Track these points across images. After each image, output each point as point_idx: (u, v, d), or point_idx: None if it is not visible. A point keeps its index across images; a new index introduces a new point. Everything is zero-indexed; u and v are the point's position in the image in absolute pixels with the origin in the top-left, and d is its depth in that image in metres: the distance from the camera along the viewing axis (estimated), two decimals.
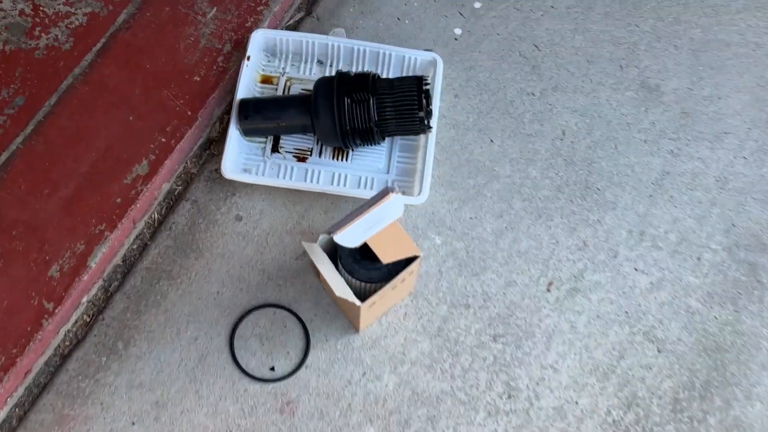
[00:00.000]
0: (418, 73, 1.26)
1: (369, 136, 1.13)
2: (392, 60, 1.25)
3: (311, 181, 1.18)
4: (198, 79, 1.23)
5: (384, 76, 1.26)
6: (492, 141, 1.25)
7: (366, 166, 1.20)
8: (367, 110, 1.11)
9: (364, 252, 0.95)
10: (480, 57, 1.31)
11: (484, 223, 1.18)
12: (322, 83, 1.14)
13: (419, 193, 1.14)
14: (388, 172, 1.20)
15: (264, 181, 1.15)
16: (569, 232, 1.19)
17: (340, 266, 0.97)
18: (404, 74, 1.26)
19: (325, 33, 1.31)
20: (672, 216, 1.21)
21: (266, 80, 1.26)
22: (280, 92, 1.25)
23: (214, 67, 1.25)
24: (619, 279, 1.16)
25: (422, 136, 1.20)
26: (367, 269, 0.96)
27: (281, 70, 1.27)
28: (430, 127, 1.14)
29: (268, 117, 1.16)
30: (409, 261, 0.96)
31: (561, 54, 1.33)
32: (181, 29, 1.27)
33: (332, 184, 1.18)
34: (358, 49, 1.24)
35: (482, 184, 1.21)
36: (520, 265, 1.16)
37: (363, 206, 0.93)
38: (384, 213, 0.90)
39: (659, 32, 1.36)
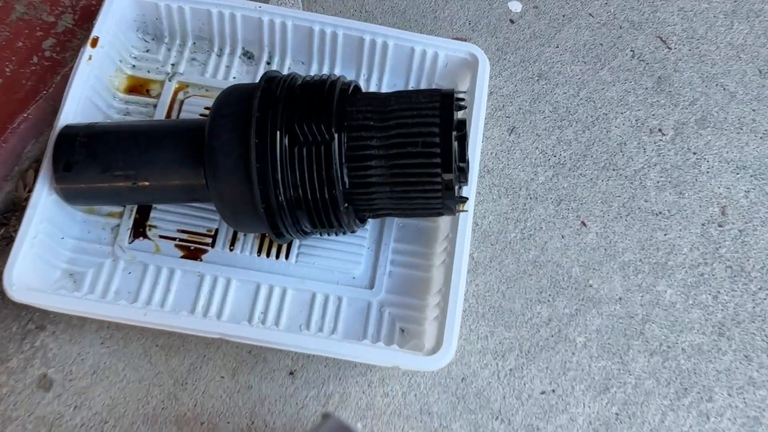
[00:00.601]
0: (440, 81, 0.64)
1: (330, 218, 0.51)
2: (389, 54, 0.63)
3: (207, 311, 0.56)
4: (0, 82, 0.61)
5: (371, 87, 0.64)
6: (584, 224, 0.62)
7: (325, 272, 0.58)
8: (325, 164, 0.48)
9: None
10: (558, 56, 0.69)
11: (572, 404, 0.56)
12: (230, 98, 0.51)
13: (438, 348, 0.51)
14: (371, 287, 0.58)
15: (103, 312, 0.53)
16: None
17: None
18: (412, 86, 0.64)
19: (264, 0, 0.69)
20: None
21: (136, 88, 0.63)
22: (161, 114, 0.62)
23: (34, 60, 0.63)
24: None
25: (446, 217, 0.58)
26: None
27: (169, 70, 0.64)
28: (462, 201, 0.52)
29: (113, 168, 0.53)
30: None
31: (709, 57, 0.70)
32: None
33: (252, 318, 0.56)
34: (323, 32, 0.62)
35: (567, 316, 0.59)
36: None
37: None
38: None
39: None
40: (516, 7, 0.70)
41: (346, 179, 0.49)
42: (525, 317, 0.58)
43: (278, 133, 0.49)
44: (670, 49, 0.70)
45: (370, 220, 0.59)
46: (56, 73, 0.63)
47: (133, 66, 0.64)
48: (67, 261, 0.57)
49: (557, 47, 0.69)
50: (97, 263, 0.57)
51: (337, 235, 0.55)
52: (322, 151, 0.48)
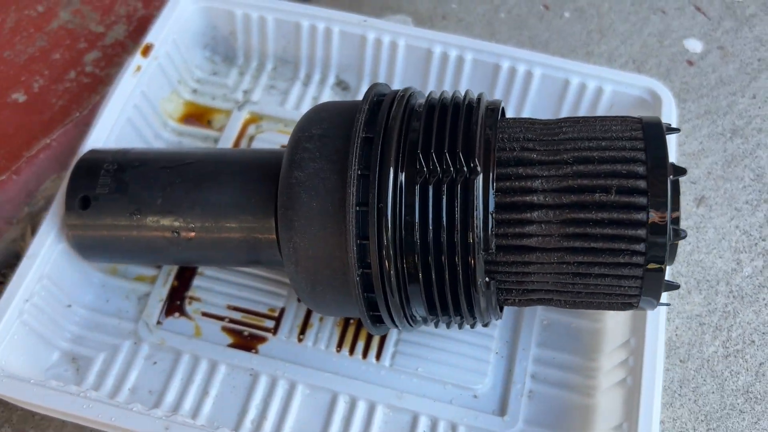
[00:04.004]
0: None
1: (460, 300, 0.33)
2: (534, 87, 0.46)
3: (259, 427, 0.38)
4: (23, 99, 0.47)
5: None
6: None
7: (433, 385, 0.39)
8: (461, 212, 0.31)
9: None
10: (755, 108, 0.51)
11: None
12: (323, 115, 0.35)
13: None
14: (503, 414, 0.38)
15: (107, 419, 0.35)
16: None
17: None
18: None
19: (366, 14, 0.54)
20: None
21: (195, 117, 0.48)
22: (226, 145, 0.47)
23: (71, 75, 0.49)
24: None
25: (629, 313, 0.39)
26: None
27: (239, 98, 0.49)
28: (673, 287, 0.33)
29: (148, 208, 0.37)
30: None
31: None
32: None
33: None
34: (446, 55, 0.46)
35: None
36: None
37: None
38: None
39: None
40: (695, 46, 0.53)
41: (492, 239, 0.31)
42: None
43: (392, 163, 0.32)
44: None
45: (505, 308, 0.41)
46: (95, 92, 0.48)
47: (194, 90, 0.49)
48: (72, 339, 0.40)
49: (754, 98, 0.51)
50: (112, 346, 0.40)
51: (460, 327, 0.37)
52: (458, 192, 0.31)
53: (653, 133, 0.32)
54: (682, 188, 0.46)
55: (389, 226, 0.31)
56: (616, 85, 0.45)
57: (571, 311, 0.41)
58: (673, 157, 0.42)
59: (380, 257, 0.32)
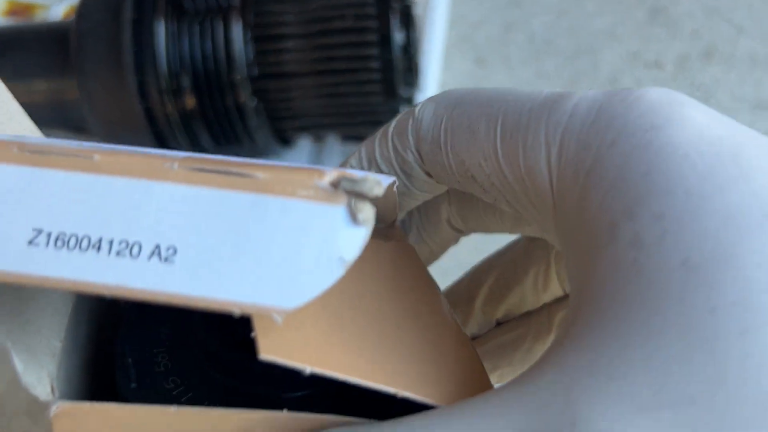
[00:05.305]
0: None
1: (236, 124, 0.39)
2: None
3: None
4: None
5: None
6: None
7: None
8: (226, 42, 0.37)
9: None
10: None
11: None
12: None
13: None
14: None
15: None
16: None
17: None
18: None
19: None
20: None
21: (18, 11, 0.52)
22: None
23: None
24: None
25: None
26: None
27: None
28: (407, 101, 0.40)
29: None
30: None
31: None
32: None
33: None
34: None
35: None
36: None
37: None
38: None
39: None
40: None
41: (255, 68, 0.37)
42: None
43: (162, 7, 0.37)
44: None
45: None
46: None
47: None
48: None
49: None
50: None
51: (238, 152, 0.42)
52: (221, 24, 0.36)
53: None
54: (465, 52, 0.53)
55: (163, 61, 0.36)
56: None
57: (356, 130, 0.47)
58: (444, 17, 0.49)
59: (159, 91, 0.37)
